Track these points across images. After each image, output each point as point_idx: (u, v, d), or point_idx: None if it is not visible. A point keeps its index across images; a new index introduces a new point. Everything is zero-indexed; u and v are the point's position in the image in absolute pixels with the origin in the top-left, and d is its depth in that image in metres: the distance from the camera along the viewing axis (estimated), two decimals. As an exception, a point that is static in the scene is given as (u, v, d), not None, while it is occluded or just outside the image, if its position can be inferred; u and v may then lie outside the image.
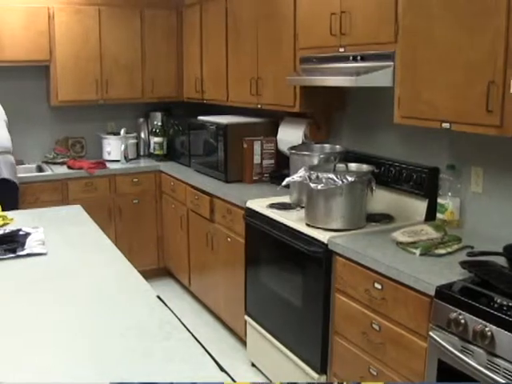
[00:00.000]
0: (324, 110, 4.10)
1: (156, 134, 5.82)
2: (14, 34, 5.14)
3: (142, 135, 6.03)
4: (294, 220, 3.38)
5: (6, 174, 4.35)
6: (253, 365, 4.02)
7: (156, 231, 5.63)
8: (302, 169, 3.24)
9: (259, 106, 4.42)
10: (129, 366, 1.72)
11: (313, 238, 3.13)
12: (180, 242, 5.19)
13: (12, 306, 2.25)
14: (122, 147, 5.63)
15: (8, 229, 3.17)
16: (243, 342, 4.19)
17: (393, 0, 2.99)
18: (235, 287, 4.15)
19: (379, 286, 2.68)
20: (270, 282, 3.66)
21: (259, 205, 3.76)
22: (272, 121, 4.66)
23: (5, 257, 2.80)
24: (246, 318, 3.98)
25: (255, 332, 3.89)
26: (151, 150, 5.91)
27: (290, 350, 3.46)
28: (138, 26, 5.69)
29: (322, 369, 3.18)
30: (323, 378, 3.17)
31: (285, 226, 3.40)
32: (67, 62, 5.41)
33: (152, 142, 5.87)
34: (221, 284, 4.44)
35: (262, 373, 3.90)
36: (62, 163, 5.56)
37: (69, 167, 5.42)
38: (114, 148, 5.70)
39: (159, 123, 5.88)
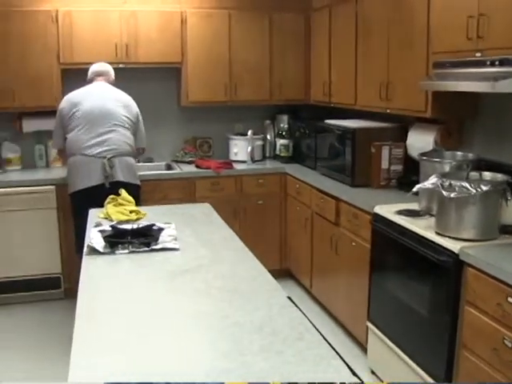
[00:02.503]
0: (456, 117, 3.98)
1: (282, 136, 5.90)
2: (149, 37, 5.40)
3: (269, 137, 6.11)
4: (423, 228, 3.31)
5: (120, 177, 4.48)
6: (372, 372, 3.97)
7: (279, 232, 5.69)
8: (434, 176, 3.17)
9: (388, 111, 4.36)
10: (264, 364, 1.76)
11: (443, 246, 3.05)
12: (303, 244, 5.22)
13: (146, 298, 2.35)
14: (249, 148, 5.74)
15: (142, 223, 3.29)
16: (363, 349, 4.15)
17: (537, 2, 2.88)
18: (358, 292, 4.12)
19: (513, 301, 2.58)
20: (395, 289, 3.61)
21: (387, 210, 3.71)
22: (400, 126, 4.58)
23: (140, 250, 2.94)
24: (368, 324, 3.95)
25: (377, 339, 3.84)
26: (277, 152, 5.99)
27: (414, 360, 3.39)
28: (266, 29, 5.78)
29: (445, 382, 3.10)
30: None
31: (413, 233, 3.33)
32: (198, 63, 5.60)
33: (278, 144, 5.95)
34: (343, 288, 4.43)
35: (382, 381, 3.85)
36: (190, 162, 5.75)
37: (197, 166, 5.61)
38: (240, 149, 5.83)
39: (286, 125, 5.95)
